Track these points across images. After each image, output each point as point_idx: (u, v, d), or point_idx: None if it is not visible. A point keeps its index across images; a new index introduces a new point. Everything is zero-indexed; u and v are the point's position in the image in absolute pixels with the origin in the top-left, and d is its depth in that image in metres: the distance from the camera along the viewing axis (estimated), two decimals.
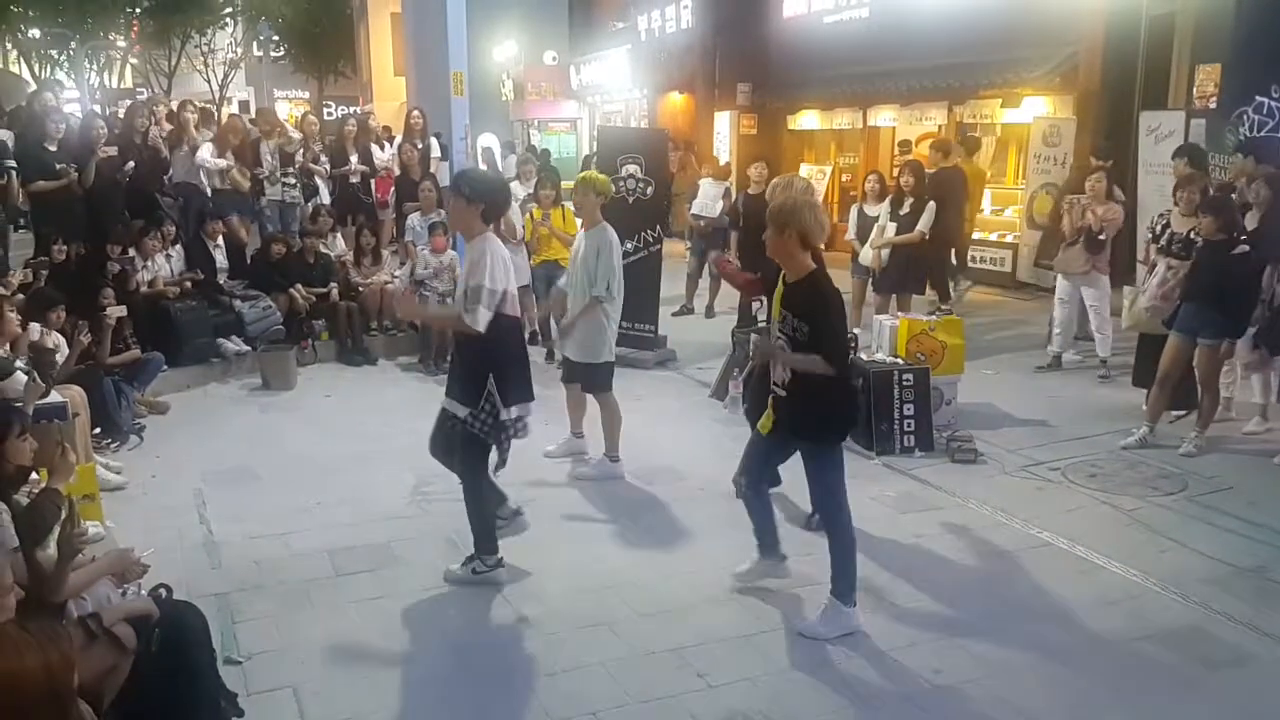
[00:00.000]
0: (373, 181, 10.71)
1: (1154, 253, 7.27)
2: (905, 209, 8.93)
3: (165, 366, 7.94)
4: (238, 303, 8.98)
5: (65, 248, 8.01)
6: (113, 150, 8.89)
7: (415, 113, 10.87)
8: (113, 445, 6.74)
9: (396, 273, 9.84)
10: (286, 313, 9.15)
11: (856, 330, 8.32)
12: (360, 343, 9.38)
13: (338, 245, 10.03)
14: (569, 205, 8.04)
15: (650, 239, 8.98)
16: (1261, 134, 8.26)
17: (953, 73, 13.09)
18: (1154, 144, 9.59)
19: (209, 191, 9.63)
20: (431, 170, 10.55)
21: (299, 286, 9.23)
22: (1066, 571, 4.99)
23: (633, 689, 3.98)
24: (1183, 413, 6.90)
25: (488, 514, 4.97)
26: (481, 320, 4.61)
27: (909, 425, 6.65)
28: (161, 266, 8.71)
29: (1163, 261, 7.05)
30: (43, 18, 29.62)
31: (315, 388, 8.54)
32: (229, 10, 34.41)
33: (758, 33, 17.46)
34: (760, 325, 6.11)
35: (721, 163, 13.29)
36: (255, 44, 34.52)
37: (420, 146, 10.59)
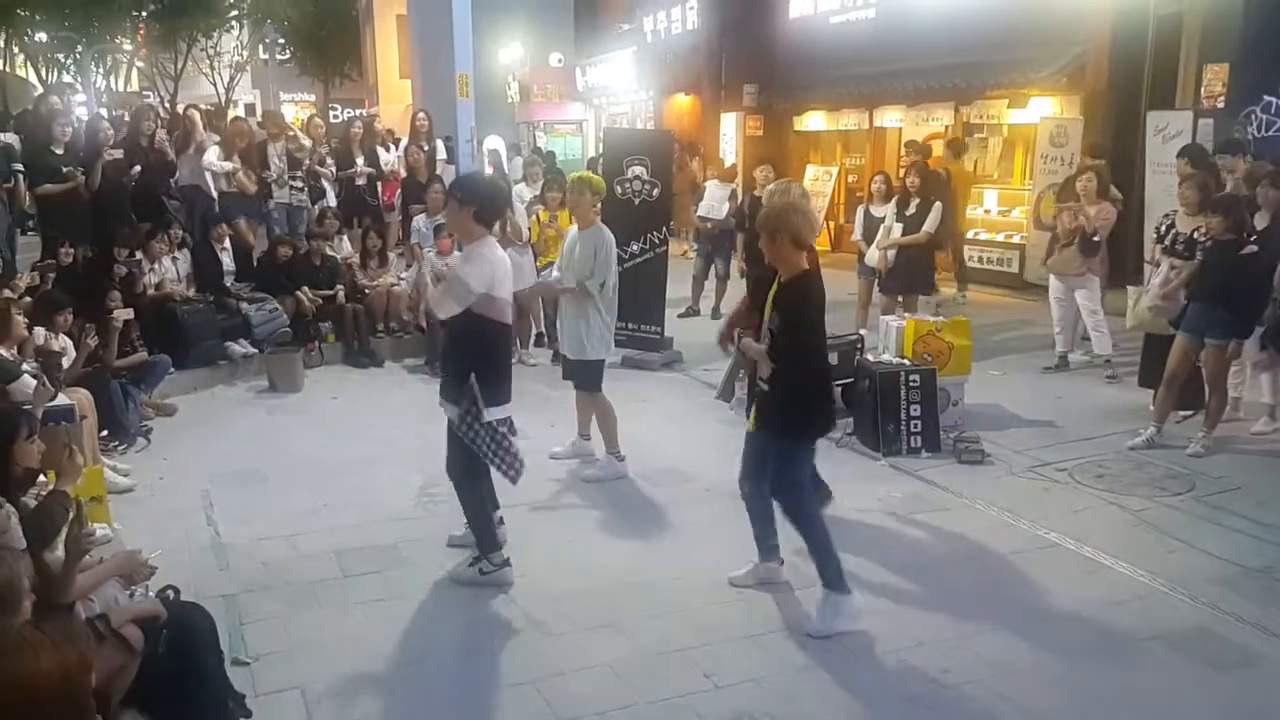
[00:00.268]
0: (379, 184, 10.75)
1: (1159, 253, 7.27)
2: (911, 209, 8.93)
3: (172, 369, 7.95)
4: (244, 305, 9.03)
5: (72, 251, 8.03)
6: (119, 153, 8.92)
7: (421, 115, 10.89)
8: (120, 448, 6.75)
9: (402, 275, 9.86)
10: (293, 315, 9.19)
11: (863, 331, 8.34)
12: (366, 345, 9.40)
13: (344, 248, 10.05)
14: None
15: (656, 240, 8.98)
16: (1269, 133, 8.25)
17: (959, 73, 13.05)
18: (1161, 144, 9.58)
19: (215, 194, 9.67)
20: (437, 173, 10.57)
21: (305, 289, 9.27)
22: (1074, 572, 4.98)
23: (640, 690, 3.98)
24: (1190, 413, 6.89)
25: (486, 516, 4.94)
26: (444, 310, 4.63)
27: (915, 426, 6.65)
28: (168, 269, 8.74)
29: (1166, 261, 7.05)
30: (49, 21, 29.66)
31: (322, 390, 8.56)
32: (235, 13, 34.47)
33: (763, 34, 17.42)
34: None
35: (727, 164, 13.28)
36: (261, 47, 34.57)
37: (426, 149, 10.61)
